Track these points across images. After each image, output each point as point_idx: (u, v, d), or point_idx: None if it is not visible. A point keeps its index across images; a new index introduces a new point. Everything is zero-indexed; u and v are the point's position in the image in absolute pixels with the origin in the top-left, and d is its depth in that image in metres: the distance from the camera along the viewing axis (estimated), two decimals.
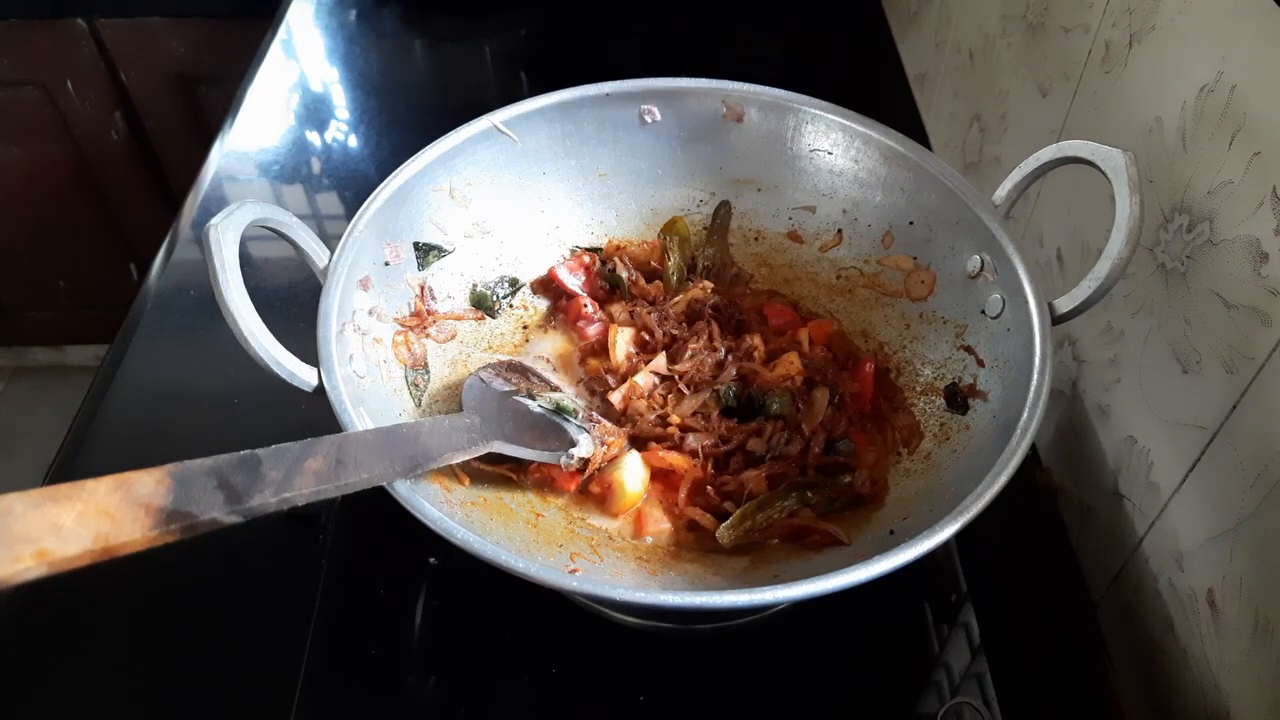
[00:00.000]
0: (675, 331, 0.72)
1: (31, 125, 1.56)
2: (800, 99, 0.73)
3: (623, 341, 0.71)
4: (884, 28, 1.27)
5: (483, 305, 0.73)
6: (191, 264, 0.91)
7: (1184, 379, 0.59)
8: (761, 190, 0.78)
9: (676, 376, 0.69)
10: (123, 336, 0.84)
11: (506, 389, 0.65)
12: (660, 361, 0.69)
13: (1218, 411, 0.56)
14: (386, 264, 0.66)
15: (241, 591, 0.67)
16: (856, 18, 1.30)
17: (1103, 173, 0.56)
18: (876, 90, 1.18)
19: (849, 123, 0.72)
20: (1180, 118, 0.60)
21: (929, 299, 0.70)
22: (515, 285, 0.76)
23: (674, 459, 0.65)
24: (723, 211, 0.79)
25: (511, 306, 0.76)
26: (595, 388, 0.71)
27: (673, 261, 0.77)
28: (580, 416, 0.66)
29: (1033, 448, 0.57)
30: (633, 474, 0.63)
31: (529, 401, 0.65)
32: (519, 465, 0.63)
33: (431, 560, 0.68)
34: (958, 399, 0.64)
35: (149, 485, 0.40)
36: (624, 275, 0.76)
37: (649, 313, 0.73)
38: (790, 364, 0.69)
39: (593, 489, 0.64)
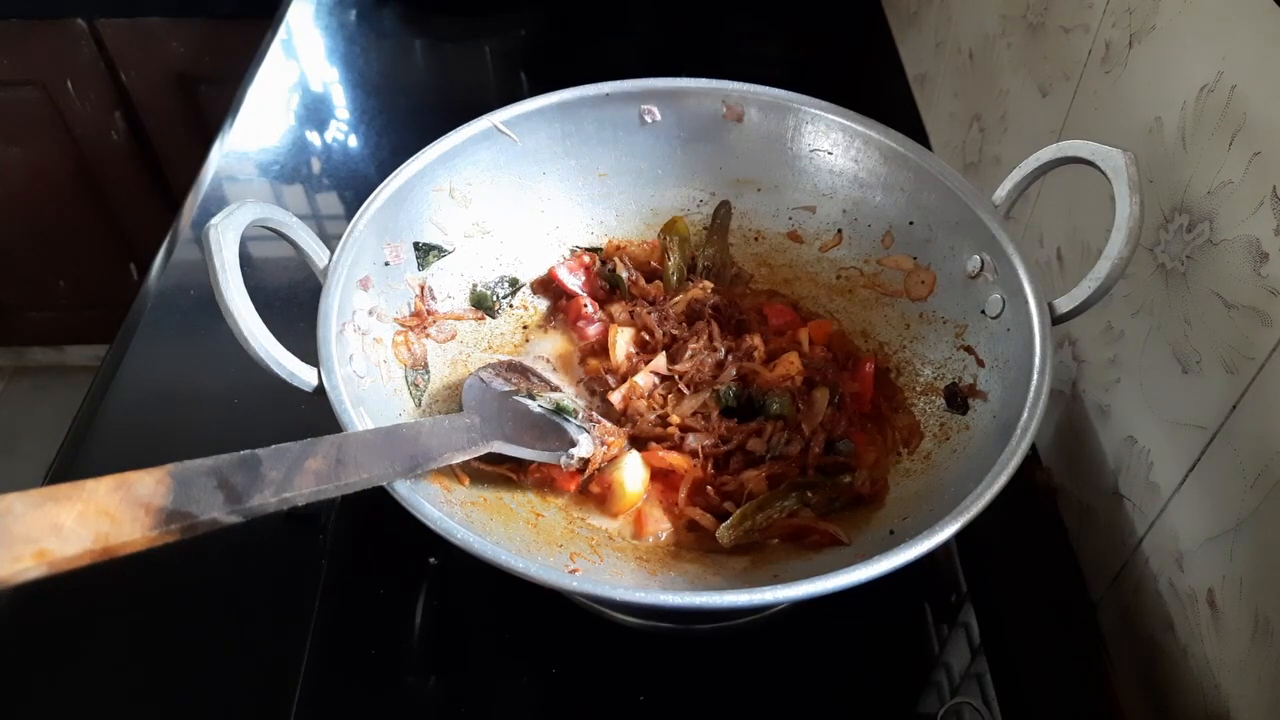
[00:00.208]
0: (675, 331, 0.72)
1: (31, 125, 1.56)
2: (800, 99, 0.73)
3: (623, 341, 0.71)
4: (884, 28, 1.27)
5: (483, 305, 0.73)
6: (191, 264, 0.91)
7: (1184, 379, 0.59)
8: (761, 190, 0.78)
9: (676, 376, 0.69)
10: (123, 336, 0.84)
11: (506, 389, 0.65)
12: (660, 361, 0.69)
13: (1218, 411, 0.56)
14: (386, 264, 0.66)
15: (241, 591, 0.67)
16: (856, 18, 1.30)
17: (1103, 173, 0.56)
18: (876, 90, 1.18)
19: (849, 123, 0.72)
20: (1180, 118, 0.60)
21: (929, 299, 0.70)
22: (515, 285, 0.76)
23: (674, 459, 0.65)
24: (723, 211, 0.79)
25: (511, 306, 0.76)
26: (595, 388, 0.71)
27: (673, 261, 0.77)
28: (580, 416, 0.66)
29: (1033, 448, 0.57)
30: (633, 474, 0.63)
31: (529, 401, 0.65)
32: (519, 465, 0.63)
33: (431, 560, 0.68)
34: (958, 399, 0.64)
35: (149, 485, 0.40)
36: (624, 275, 0.76)
37: (649, 313, 0.73)
38: (790, 364, 0.69)
39: (593, 489, 0.64)
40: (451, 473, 0.59)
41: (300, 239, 0.60)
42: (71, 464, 0.74)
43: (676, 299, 0.74)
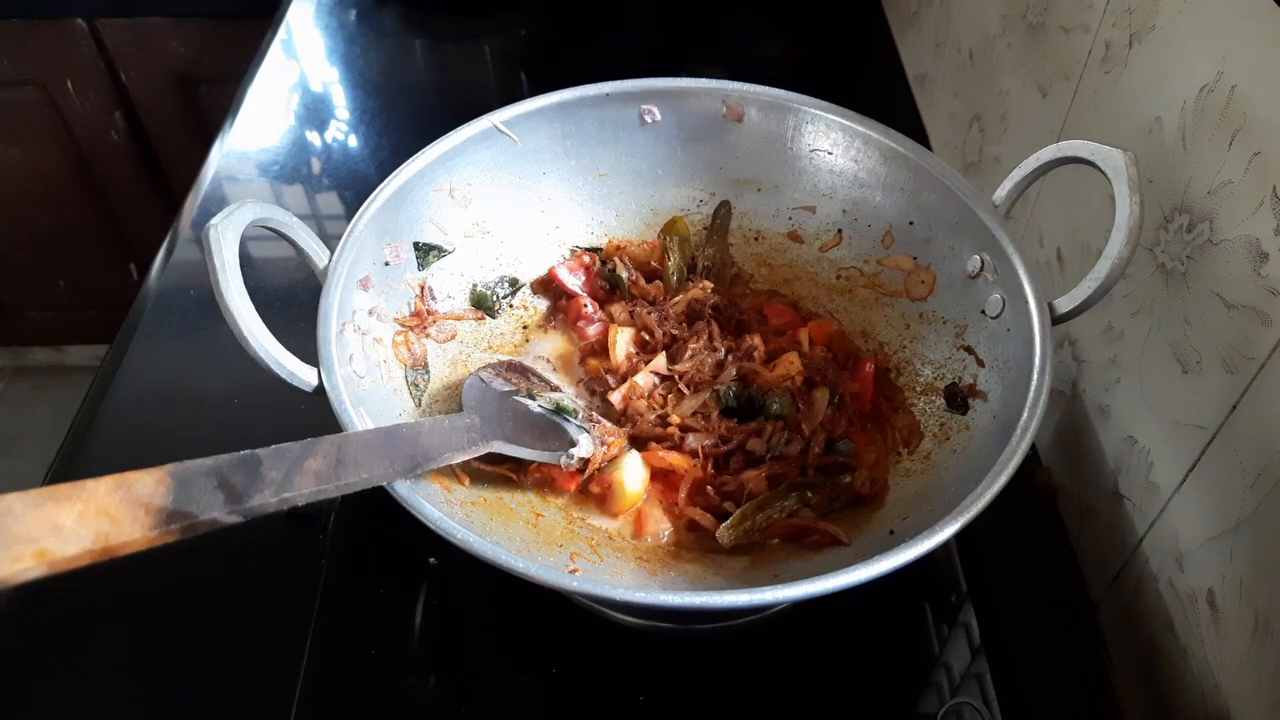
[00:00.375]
0: (675, 331, 0.72)
1: (31, 125, 1.56)
2: (800, 99, 0.73)
3: (622, 341, 0.71)
4: (884, 28, 1.27)
5: (483, 305, 0.73)
6: (191, 264, 0.91)
7: (1184, 379, 0.59)
8: (761, 190, 0.78)
9: (676, 376, 0.69)
10: (123, 336, 0.84)
11: (506, 389, 0.65)
12: (660, 361, 0.69)
13: (1218, 411, 0.56)
14: (386, 264, 0.66)
15: (241, 591, 0.67)
16: (856, 18, 1.30)
17: (1103, 173, 0.56)
18: (876, 90, 1.18)
19: (849, 123, 0.72)
20: (1180, 118, 0.60)
21: (929, 299, 0.70)
22: (515, 285, 0.76)
23: (674, 459, 0.65)
24: (723, 211, 0.79)
25: (511, 306, 0.76)
26: (595, 387, 0.71)
27: (673, 261, 0.77)
28: (580, 416, 0.66)
29: (1033, 448, 0.57)
30: (633, 474, 0.63)
31: (529, 401, 0.65)
32: (519, 465, 0.63)
33: (431, 560, 0.68)
34: (958, 399, 0.64)
35: (149, 485, 0.40)
36: (624, 275, 0.76)
37: (649, 313, 0.73)
38: (790, 364, 0.69)
39: (593, 489, 0.64)
40: (451, 473, 0.59)
41: (300, 239, 0.60)
42: (71, 464, 0.74)
43: (676, 299, 0.74)
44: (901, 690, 0.64)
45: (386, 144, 1.08)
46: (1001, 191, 0.63)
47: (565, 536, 0.60)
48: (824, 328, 0.73)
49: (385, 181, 0.66)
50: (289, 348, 0.55)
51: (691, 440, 0.66)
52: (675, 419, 0.66)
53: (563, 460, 0.62)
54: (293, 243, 0.60)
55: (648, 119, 0.76)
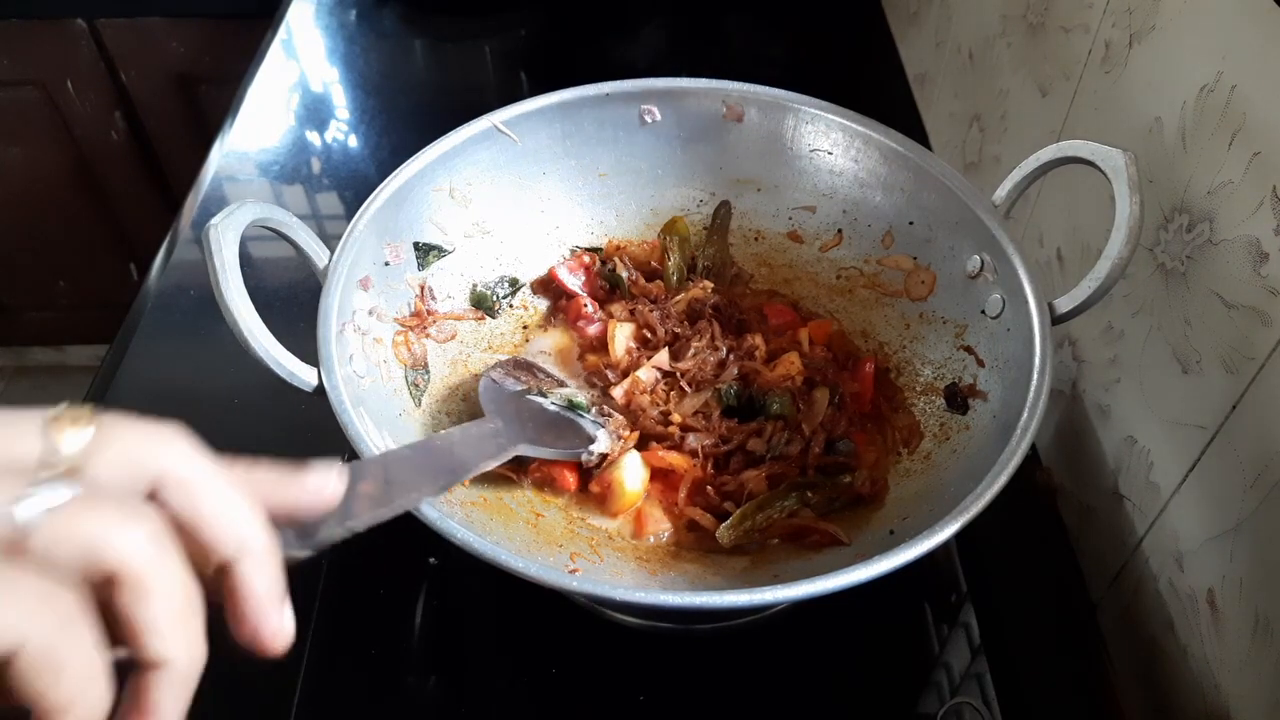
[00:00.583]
0: (678, 330, 0.72)
1: (31, 125, 1.56)
2: (800, 99, 0.73)
3: (622, 336, 0.71)
4: (884, 28, 1.27)
5: (483, 305, 0.73)
6: (191, 264, 0.91)
7: (1184, 379, 0.59)
8: (761, 190, 0.78)
9: (679, 374, 0.69)
10: (123, 336, 0.84)
11: (519, 388, 0.65)
12: (663, 357, 0.69)
13: (1218, 411, 0.56)
14: (386, 264, 0.66)
15: None
16: (856, 18, 1.30)
17: (1103, 173, 0.56)
18: (876, 90, 1.18)
19: (849, 123, 0.72)
20: (1180, 118, 0.60)
21: (929, 299, 0.70)
22: (515, 285, 0.76)
23: (674, 459, 0.65)
24: (723, 211, 0.79)
25: (511, 306, 0.76)
26: (595, 381, 0.71)
27: (673, 261, 0.77)
28: (592, 411, 0.66)
29: (1033, 448, 0.57)
30: (633, 474, 0.63)
31: (543, 400, 0.65)
32: (519, 464, 0.63)
33: (431, 560, 0.68)
34: (958, 399, 0.64)
35: None
36: (624, 275, 0.76)
37: (650, 310, 0.73)
38: (790, 364, 0.69)
39: (593, 489, 0.64)
40: None
41: (300, 239, 0.60)
42: None
43: (677, 298, 0.74)
44: (901, 690, 0.64)
45: (386, 144, 1.08)
46: (1001, 191, 0.63)
47: (565, 536, 0.60)
48: (824, 328, 0.73)
49: (385, 181, 0.66)
50: (289, 348, 0.55)
51: (691, 440, 0.65)
52: (677, 417, 0.66)
53: (584, 457, 0.62)
54: (293, 243, 0.60)
55: (648, 119, 0.76)
